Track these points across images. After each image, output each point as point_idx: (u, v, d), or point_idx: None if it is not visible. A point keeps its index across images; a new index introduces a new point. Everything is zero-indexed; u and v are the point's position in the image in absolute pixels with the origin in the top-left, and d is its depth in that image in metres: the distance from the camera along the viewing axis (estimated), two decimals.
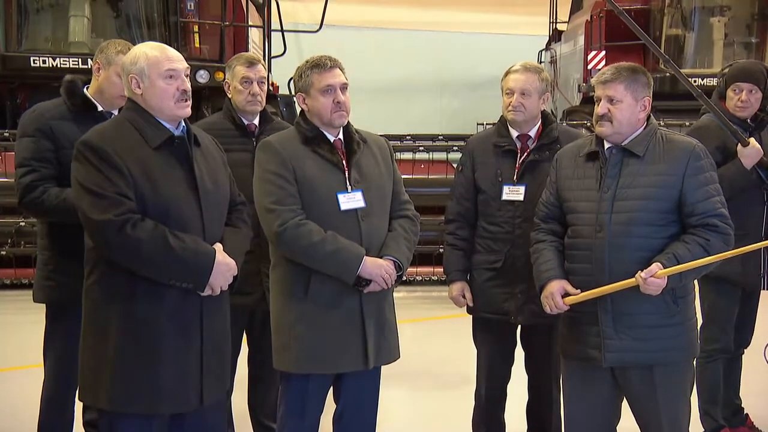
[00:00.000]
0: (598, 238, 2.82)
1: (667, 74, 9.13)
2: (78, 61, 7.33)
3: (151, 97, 2.64)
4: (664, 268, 2.70)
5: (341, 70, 2.96)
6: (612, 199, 2.81)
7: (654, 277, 2.70)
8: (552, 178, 3.03)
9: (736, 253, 2.85)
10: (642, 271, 2.72)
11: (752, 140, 3.61)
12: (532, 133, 3.39)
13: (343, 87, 2.94)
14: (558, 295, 2.88)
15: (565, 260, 2.94)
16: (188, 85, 2.68)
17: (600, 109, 2.86)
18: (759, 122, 3.76)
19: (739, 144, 3.59)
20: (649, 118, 2.92)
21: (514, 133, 3.39)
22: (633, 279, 2.74)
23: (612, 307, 2.82)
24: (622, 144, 2.86)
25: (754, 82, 3.71)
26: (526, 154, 3.36)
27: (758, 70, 3.83)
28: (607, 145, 2.90)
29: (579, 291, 2.85)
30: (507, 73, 3.39)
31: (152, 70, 2.64)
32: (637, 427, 2.97)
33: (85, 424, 3.58)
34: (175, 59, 2.68)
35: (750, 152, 3.57)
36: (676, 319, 2.83)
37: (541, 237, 3.01)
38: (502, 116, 3.45)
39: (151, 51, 2.67)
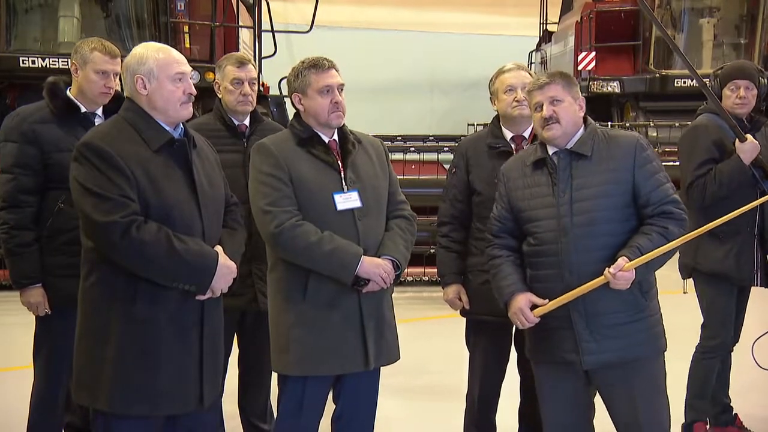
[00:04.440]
0: (562, 243, 2.82)
1: (657, 75, 9.17)
2: (67, 62, 7.25)
3: (157, 99, 2.63)
4: (630, 260, 2.73)
5: (337, 70, 2.96)
6: (570, 203, 2.83)
7: (622, 270, 2.72)
8: (501, 192, 3.02)
9: (694, 235, 2.89)
10: (610, 267, 2.74)
11: (749, 136, 3.66)
12: (527, 134, 3.39)
13: (341, 88, 2.95)
14: (527, 308, 2.86)
15: (527, 269, 2.93)
16: (193, 88, 2.69)
17: (545, 112, 2.86)
18: (754, 123, 3.80)
19: (737, 140, 3.64)
20: (586, 120, 2.96)
21: (508, 134, 3.39)
22: (602, 277, 2.75)
23: (584, 309, 2.82)
24: (568, 147, 2.88)
25: (750, 79, 3.77)
26: None
27: (753, 67, 3.92)
28: (551, 151, 2.91)
29: (546, 300, 2.84)
30: (501, 73, 3.40)
31: (162, 72, 2.63)
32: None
33: (66, 426, 3.56)
34: (182, 62, 2.68)
35: (748, 148, 3.63)
36: (646, 313, 2.86)
37: (496, 252, 2.99)
38: (495, 117, 3.45)
39: (159, 53, 2.65)
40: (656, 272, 2.88)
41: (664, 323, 2.94)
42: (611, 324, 2.82)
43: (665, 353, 2.95)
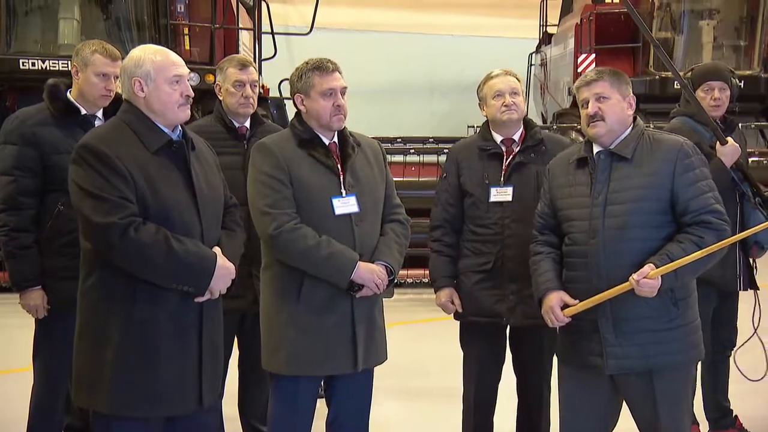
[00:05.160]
0: (592, 245, 2.80)
1: (657, 77, 9.17)
2: (67, 64, 7.24)
3: (154, 101, 2.64)
4: (657, 268, 2.69)
5: (340, 73, 2.97)
6: (603, 204, 2.80)
7: (647, 277, 2.69)
8: (545, 188, 3.02)
9: (725, 244, 2.81)
10: (635, 273, 2.71)
11: (730, 139, 3.65)
12: (516, 136, 3.41)
13: (343, 91, 2.95)
14: (557, 307, 2.86)
15: (564, 269, 2.92)
16: (191, 90, 2.69)
17: (590, 109, 2.85)
18: (728, 124, 3.80)
19: (718, 143, 3.63)
20: (635, 120, 2.92)
21: (498, 138, 3.42)
22: (627, 283, 2.72)
23: (612, 313, 2.80)
24: (610, 147, 2.86)
25: (723, 80, 3.77)
26: (511, 156, 3.38)
27: (725, 68, 3.91)
28: (596, 150, 2.89)
29: (578, 301, 2.83)
30: (489, 79, 3.42)
31: (159, 74, 2.63)
32: (636, 429, 2.96)
33: (66, 428, 3.56)
34: (180, 64, 2.69)
35: (729, 150, 3.61)
36: (677, 322, 2.81)
37: (538, 249, 2.99)
38: (485, 123, 3.48)
39: (156, 55, 2.66)
40: None
41: None
42: (639, 330, 2.79)
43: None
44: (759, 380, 3.83)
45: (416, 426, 4.42)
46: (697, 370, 3.82)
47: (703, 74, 3.80)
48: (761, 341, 3.78)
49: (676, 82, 9.10)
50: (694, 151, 2.86)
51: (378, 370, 3.08)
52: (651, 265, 2.70)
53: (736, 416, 4.03)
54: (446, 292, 3.44)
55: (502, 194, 3.33)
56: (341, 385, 3.00)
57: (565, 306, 2.86)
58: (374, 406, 3.14)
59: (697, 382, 3.92)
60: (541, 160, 3.29)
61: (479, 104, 3.49)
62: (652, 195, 2.78)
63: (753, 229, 3.38)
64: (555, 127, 9.16)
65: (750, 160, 8.55)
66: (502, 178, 3.35)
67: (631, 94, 2.90)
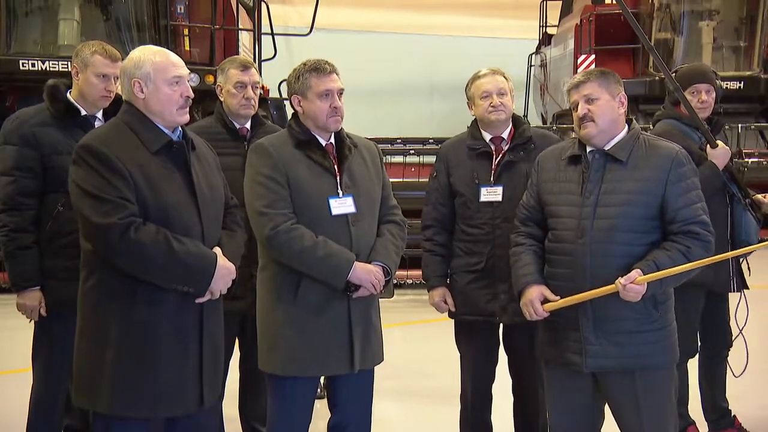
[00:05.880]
0: (579, 244, 2.81)
1: (656, 78, 9.18)
2: (67, 65, 7.24)
3: (154, 103, 2.64)
4: (644, 274, 2.70)
5: (337, 75, 2.97)
6: (594, 205, 2.81)
7: (633, 283, 2.70)
8: (533, 181, 3.02)
9: (714, 260, 2.85)
10: (622, 277, 2.72)
11: (720, 142, 3.65)
12: (505, 135, 3.42)
13: (340, 92, 2.96)
14: (537, 301, 2.87)
15: (545, 264, 2.93)
16: (191, 92, 2.69)
17: (580, 111, 2.86)
18: (714, 125, 3.80)
19: (708, 146, 3.63)
20: (631, 122, 2.93)
21: (487, 136, 3.42)
22: (613, 285, 2.73)
23: (592, 313, 2.81)
24: (605, 149, 2.86)
25: (710, 82, 3.78)
26: (501, 155, 3.38)
27: (709, 70, 3.92)
28: (589, 149, 2.90)
29: (558, 297, 2.84)
30: (476, 78, 3.42)
31: (158, 75, 2.63)
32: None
33: (65, 428, 3.56)
34: (179, 65, 2.69)
35: (720, 153, 3.62)
36: (657, 325, 2.83)
37: (520, 240, 3.00)
38: (473, 121, 3.48)
39: (156, 56, 2.66)
40: None
41: None
42: (619, 331, 2.80)
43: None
44: (739, 376, 3.84)
45: (416, 426, 4.43)
46: (685, 374, 3.83)
47: (689, 77, 3.80)
48: (744, 338, 3.80)
49: None
50: (688, 160, 2.87)
51: (378, 371, 3.09)
52: (638, 270, 2.71)
53: (734, 416, 4.03)
54: (439, 292, 3.45)
55: (492, 194, 3.33)
56: (343, 387, 3.01)
57: (545, 301, 2.87)
58: (374, 406, 3.14)
59: (693, 383, 3.93)
60: (530, 159, 3.28)
61: (467, 103, 3.49)
62: (642, 200, 2.79)
63: (749, 248, 3.42)
64: (555, 127, 9.17)
65: (750, 160, 8.58)
66: (491, 178, 3.35)
67: (623, 92, 2.91)
